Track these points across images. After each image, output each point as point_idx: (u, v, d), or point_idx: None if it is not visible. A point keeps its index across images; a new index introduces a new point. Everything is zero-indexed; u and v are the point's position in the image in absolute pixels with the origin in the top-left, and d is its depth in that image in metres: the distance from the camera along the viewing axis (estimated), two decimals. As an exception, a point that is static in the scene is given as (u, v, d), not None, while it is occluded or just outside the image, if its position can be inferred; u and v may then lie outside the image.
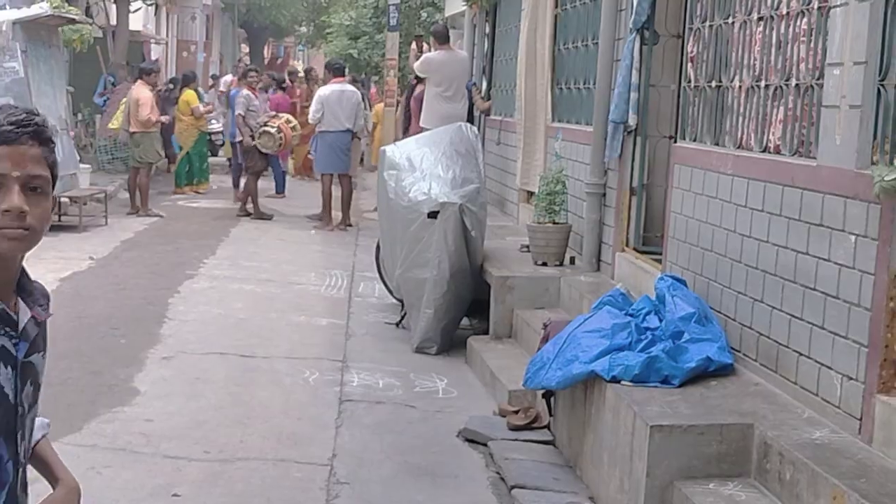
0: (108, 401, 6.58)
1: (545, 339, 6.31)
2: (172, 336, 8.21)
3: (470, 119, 12.58)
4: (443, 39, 12.54)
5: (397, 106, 16.66)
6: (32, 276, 2.17)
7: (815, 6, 5.11)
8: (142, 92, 14.61)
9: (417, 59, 12.91)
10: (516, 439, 6.25)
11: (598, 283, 7.78)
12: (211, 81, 25.81)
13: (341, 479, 5.58)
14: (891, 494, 3.89)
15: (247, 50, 44.67)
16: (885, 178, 4.31)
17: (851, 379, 4.57)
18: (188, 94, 17.44)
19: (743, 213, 5.68)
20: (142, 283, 10.12)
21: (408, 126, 14.34)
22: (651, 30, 7.52)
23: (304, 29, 42.41)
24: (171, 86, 18.76)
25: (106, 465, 5.56)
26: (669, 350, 5.44)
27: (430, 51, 12.89)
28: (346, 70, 16.26)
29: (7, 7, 13.90)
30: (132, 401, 6.62)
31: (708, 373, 5.43)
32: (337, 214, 14.23)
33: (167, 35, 30.83)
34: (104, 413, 6.37)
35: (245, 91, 15.43)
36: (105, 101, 18.64)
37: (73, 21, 15.17)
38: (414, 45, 14.46)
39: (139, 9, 22.75)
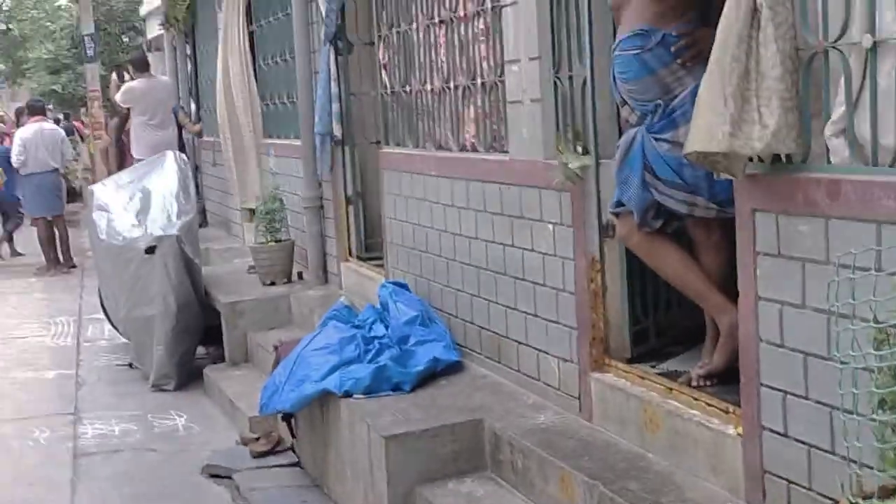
0: None
1: (277, 362, 6.25)
2: None
3: (182, 144, 12.34)
4: (142, 67, 12.27)
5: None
6: None
7: (489, 6, 5.27)
8: None
9: (118, 90, 12.55)
10: (261, 466, 6.16)
11: (327, 295, 7.79)
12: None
13: (81, 541, 5.35)
14: (612, 468, 4.07)
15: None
16: (569, 166, 4.50)
17: (567, 361, 4.75)
18: None
19: (451, 212, 5.80)
20: None
21: (123, 160, 13.95)
22: (344, 39, 7.57)
23: (0, 66, 40.44)
24: None
25: None
26: (397, 357, 5.50)
27: (131, 79, 12.54)
28: (45, 108, 15.64)
29: None
30: None
31: (437, 373, 5.53)
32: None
33: None
34: None
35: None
36: None
37: None
38: (115, 76, 14.05)
39: None
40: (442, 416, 4.95)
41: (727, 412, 3.79)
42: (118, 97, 12.39)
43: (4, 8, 34.61)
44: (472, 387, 5.35)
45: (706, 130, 3.22)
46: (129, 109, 13.55)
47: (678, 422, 3.98)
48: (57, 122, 17.58)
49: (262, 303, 8.08)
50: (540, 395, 4.99)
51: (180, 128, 12.51)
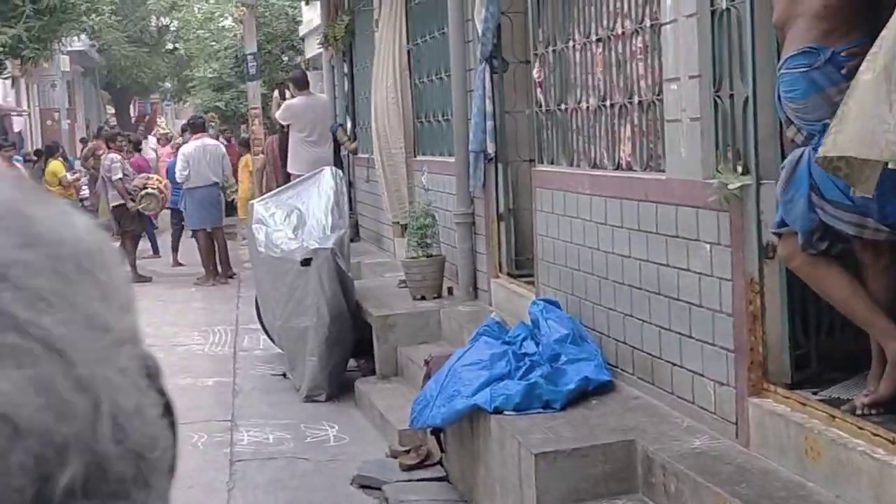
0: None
1: (427, 376, 6.30)
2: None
3: (338, 160, 12.56)
4: (301, 85, 12.50)
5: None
6: None
7: (648, 24, 5.23)
8: None
9: (279, 107, 12.83)
10: (410, 479, 6.22)
11: (477, 311, 7.82)
12: (81, 146, 25.33)
13: (236, 546, 5.48)
14: (770, 496, 3.97)
15: (112, 111, 43.99)
16: (730, 186, 4.42)
17: (723, 384, 4.66)
18: (54, 165, 17.13)
19: (604, 231, 5.77)
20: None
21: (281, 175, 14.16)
22: (500, 58, 7.61)
23: (168, 84, 41.94)
24: (34, 157, 18.41)
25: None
26: (548, 374, 5.49)
27: (291, 97, 12.83)
28: (206, 124, 16.13)
29: None
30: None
31: (588, 392, 5.49)
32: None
33: (28, 105, 30.20)
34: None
35: (114, 155, 15.18)
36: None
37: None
38: (276, 93, 14.38)
39: (-6, 82, 22.28)
40: (593, 436, 4.91)
41: (894, 443, 3.66)
42: (278, 114, 12.66)
43: (172, 28, 35.97)
44: (623, 407, 5.30)
45: (864, 136, 3.12)
46: (287, 126, 13.89)
47: (841, 451, 3.86)
48: (217, 137, 18.11)
49: (412, 317, 8.17)
50: (694, 418, 4.91)
51: (337, 144, 12.75)
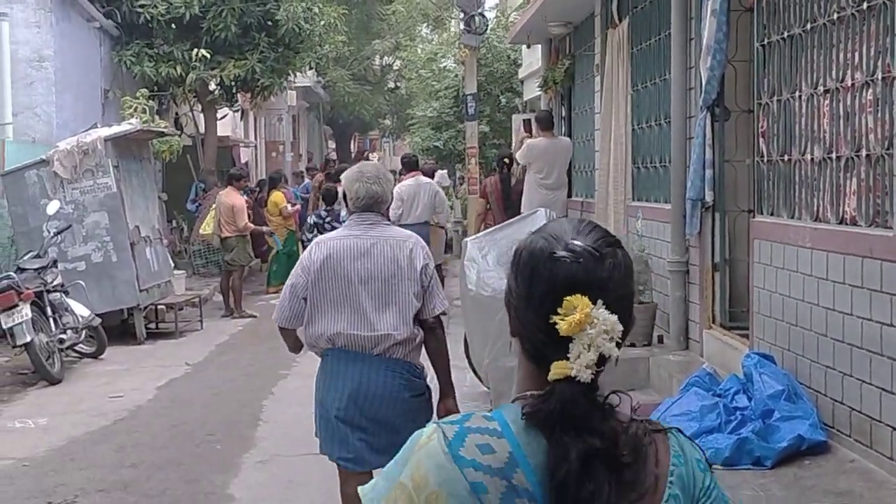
0: (204, 509, 6.67)
1: (634, 425, 6.25)
2: (267, 439, 8.30)
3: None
4: (546, 125, 12.31)
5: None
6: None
7: (879, 77, 5.09)
8: (235, 199, 14.97)
9: (521, 144, 12.79)
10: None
11: (687, 361, 7.71)
12: (299, 179, 26.31)
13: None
14: None
15: (333, 146, 45.54)
16: (963, 247, 4.24)
17: (947, 453, 4.46)
18: (276, 196, 17.81)
19: (824, 286, 5.61)
20: (236, 385, 10.27)
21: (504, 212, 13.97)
22: (722, 106, 7.52)
23: (388, 122, 43.13)
24: (257, 188, 19.22)
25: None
26: (760, 430, 5.37)
27: (530, 136, 12.81)
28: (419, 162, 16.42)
29: (99, 126, 14.42)
30: (228, 507, 6.70)
31: (801, 451, 5.34)
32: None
33: (255, 138, 31.60)
34: (202, 521, 6.45)
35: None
36: (197, 207, 19.13)
37: (162, 134, 15.67)
38: (522, 129, 14.42)
39: (225, 115, 23.41)
40: (805, 497, 4.78)
41: None
42: (519, 154, 12.63)
43: (395, 68, 37.01)
44: (838, 470, 5.13)
45: None
46: (507, 170, 14.02)
47: None
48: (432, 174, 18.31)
49: (621, 362, 7.73)
50: (914, 486, 4.70)
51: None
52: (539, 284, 1.63)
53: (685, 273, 8.21)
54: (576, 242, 1.64)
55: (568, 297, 1.58)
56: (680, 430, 1.69)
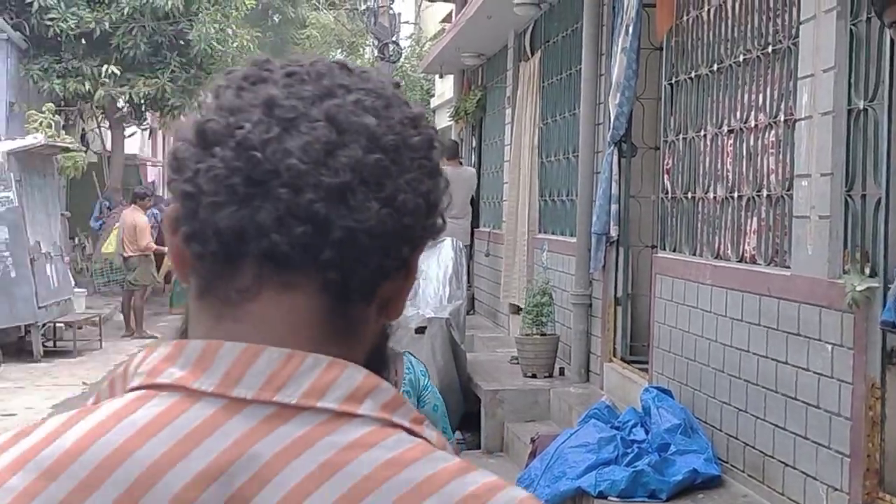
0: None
1: (533, 455, 6.28)
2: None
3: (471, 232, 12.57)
4: (451, 154, 12.17)
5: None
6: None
7: (782, 119, 5.21)
8: (138, 218, 14.73)
9: None
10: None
11: (588, 393, 7.77)
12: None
13: None
14: None
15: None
16: (857, 288, 4.35)
17: (836, 490, 4.55)
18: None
19: (723, 323, 5.71)
20: (134, 407, 10.08)
21: None
22: (629, 142, 7.63)
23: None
24: (164, 207, 18.94)
25: None
26: (656, 463, 5.42)
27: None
28: None
29: (2, 139, 14.11)
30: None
31: (695, 485, 5.41)
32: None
33: (163, 157, 31.24)
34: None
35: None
36: (101, 224, 18.78)
37: (66, 150, 15.38)
38: None
39: (134, 133, 23.09)
40: (698, 530, 4.83)
41: None
42: None
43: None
44: (731, 504, 5.20)
45: None
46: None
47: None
48: None
49: (522, 393, 8.15)
50: (804, 521, 4.79)
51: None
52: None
53: (588, 306, 8.29)
54: None
55: None
56: (411, 353, 3.87)
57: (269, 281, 0.85)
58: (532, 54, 10.55)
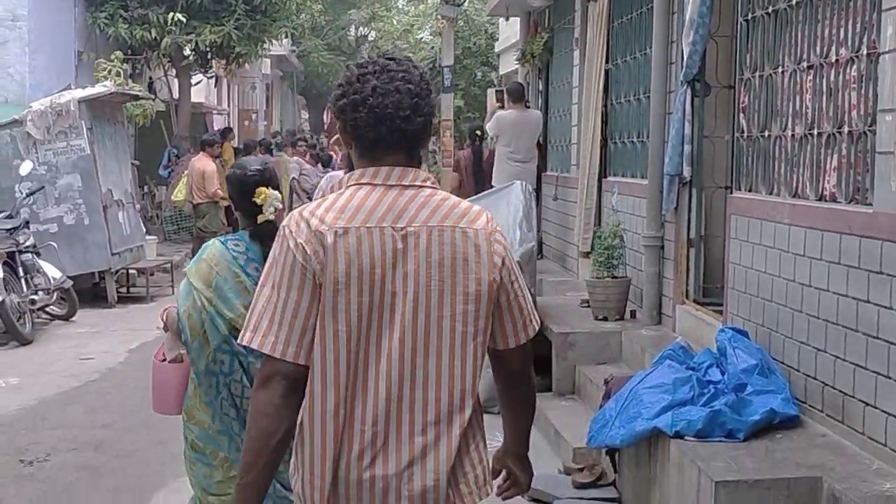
0: (173, 470, 6.64)
1: (607, 396, 6.27)
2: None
3: (538, 176, 12.48)
4: (517, 97, 12.02)
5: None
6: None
7: (864, 53, 5.10)
8: (206, 164, 14.86)
9: (492, 116, 12.60)
10: (581, 498, 6.19)
11: (660, 336, 7.74)
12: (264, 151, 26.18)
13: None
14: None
15: (307, 116, 45.32)
16: (943, 224, 4.26)
17: (919, 428, 4.49)
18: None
19: (802, 263, 5.63)
20: (208, 351, 10.23)
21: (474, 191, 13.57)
22: (702, 81, 7.52)
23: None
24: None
25: (174, 535, 5.60)
26: (732, 403, 5.39)
27: (501, 108, 12.62)
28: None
29: (73, 87, 14.27)
30: (199, 470, 6.67)
31: (773, 425, 5.36)
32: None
33: (229, 105, 31.41)
34: (171, 482, 6.43)
35: (296, 157, 15.73)
36: (169, 172, 19.01)
37: (136, 97, 15.53)
38: (494, 98, 14.23)
39: (200, 82, 23.22)
40: (777, 469, 4.80)
41: None
42: (487, 125, 12.46)
43: (370, 39, 36.83)
44: (809, 444, 5.16)
45: None
46: (479, 143, 13.96)
47: None
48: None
49: (593, 336, 8.13)
50: (886, 461, 4.74)
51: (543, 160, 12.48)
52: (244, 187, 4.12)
53: (660, 248, 8.23)
54: (255, 167, 4.18)
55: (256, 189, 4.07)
56: None
57: (390, 149, 2.68)
58: (601, -6, 10.39)
